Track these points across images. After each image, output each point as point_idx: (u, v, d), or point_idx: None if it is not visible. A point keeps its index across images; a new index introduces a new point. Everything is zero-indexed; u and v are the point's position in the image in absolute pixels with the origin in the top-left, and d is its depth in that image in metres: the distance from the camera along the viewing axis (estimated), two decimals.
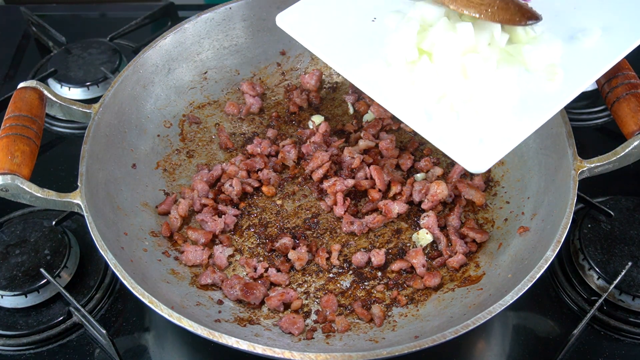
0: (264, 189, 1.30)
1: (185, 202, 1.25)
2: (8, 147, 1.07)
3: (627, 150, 1.06)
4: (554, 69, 1.04)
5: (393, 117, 1.39)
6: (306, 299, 1.15)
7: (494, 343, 1.16)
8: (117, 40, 1.65)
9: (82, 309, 1.13)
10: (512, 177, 1.25)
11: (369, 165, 1.29)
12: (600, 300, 1.12)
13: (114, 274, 1.11)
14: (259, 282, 1.16)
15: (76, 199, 1.09)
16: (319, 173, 1.29)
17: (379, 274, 1.18)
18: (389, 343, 1.04)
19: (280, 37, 1.45)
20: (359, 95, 1.44)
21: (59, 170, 1.42)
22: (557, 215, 1.06)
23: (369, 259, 1.19)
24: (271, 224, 1.26)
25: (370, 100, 1.42)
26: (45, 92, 1.18)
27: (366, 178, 1.29)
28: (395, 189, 1.26)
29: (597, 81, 1.15)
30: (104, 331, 1.08)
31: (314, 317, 1.12)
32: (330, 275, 1.19)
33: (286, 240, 1.21)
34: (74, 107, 1.21)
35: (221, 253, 1.20)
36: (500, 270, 1.11)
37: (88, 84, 1.53)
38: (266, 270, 1.19)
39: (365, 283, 1.17)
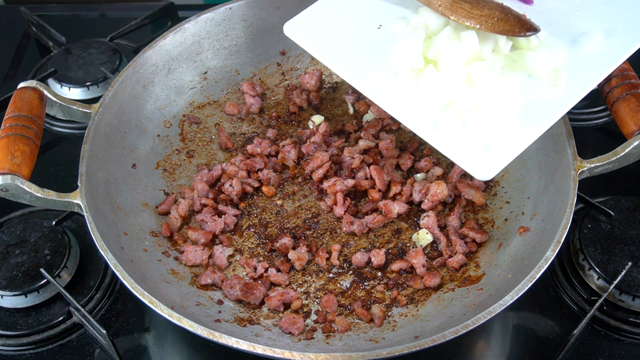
0: (264, 189, 1.30)
1: (185, 202, 1.25)
2: (8, 147, 1.07)
3: (627, 150, 1.06)
4: (557, 75, 1.04)
5: (393, 118, 1.39)
6: (306, 299, 1.15)
7: (494, 343, 1.16)
8: (117, 40, 1.65)
9: (82, 309, 1.13)
10: (512, 177, 1.25)
11: (369, 165, 1.29)
12: (600, 300, 1.12)
13: (114, 274, 1.11)
14: (259, 282, 1.16)
15: (76, 199, 1.08)
16: (319, 173, 1.29)
17: (379, 274, 1.18)
18: (389, 343, 1.04)
19: (280, 37, 1.44)
20: (358, 95, 1.45)
21: (58, 170, 1.42)
22: (557, 215, 1.06)
23: (369, 259, 1.19)
24: (271, 224, 1.26)
25: (370, 101, 1.42)
26: (45, 92, 1.18)
27: (366, 178, 1.29)
28: (395, 189, 1.26)
29: None
30: (104, 331, 1.08)
31: (314, 317, 1.12)
32: (330, 275, 1.19)
33: (286, 240, 1.21)
34: (74, 107, 1.21)
35: (221, 253, 1.20)
36: (500, 270, 1.11)
37: (88, 84, 1.53)
38: (266, 270, 1.19)
39: (365, 283, 1.17)
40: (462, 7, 1.04)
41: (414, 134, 1.37)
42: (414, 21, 1.11)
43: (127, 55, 1.60)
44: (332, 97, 1.47)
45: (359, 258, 1.18)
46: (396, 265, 1.18)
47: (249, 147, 1.35)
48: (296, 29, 1.17)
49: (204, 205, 1.27)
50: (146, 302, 0.98)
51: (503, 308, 0.95)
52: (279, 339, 1.07)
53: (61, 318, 1.16)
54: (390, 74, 1.07)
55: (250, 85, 1.43)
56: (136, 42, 1.65)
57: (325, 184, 1.27)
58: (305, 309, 1.14)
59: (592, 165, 1.09)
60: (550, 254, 1.00)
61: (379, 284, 1.17)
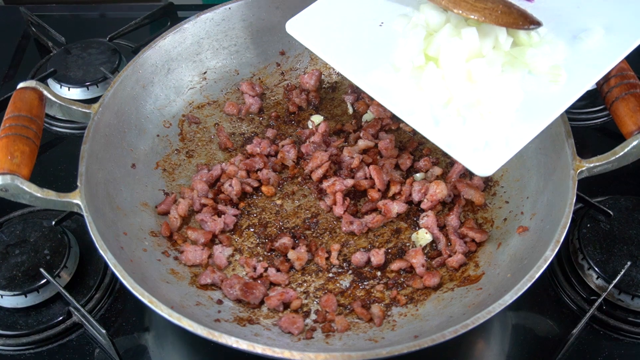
0: (263, 188, 1.31)
1: (185, 202, 1.25)
2: (8, 147, 1.07)
3: (626, 150, 1.06)
4: (557, 71, 1.04)
5: (392, 117, 1.39)
6: (306, 299, 1.15)
7: (493, 343, 1.16)
8: (117, 40, 1.65)
9: (81, 309, 1.13)
10: (512, 176, 1.25)
11: (368, 165, 1.29)
12: (600, 300, 1.12)
13: (113, 273, 1.11)
14: (259, 281, 1.16)
15: (76, 199, 1.08)
16: (319, 173, 1.29)
17: (379, 273, 1.18)
18: (389, 343, 1.05)
19: (279, 37, 1.45)
20: (358, 95, 1.45)
21: (58, 170, 1.42)
22: (556, 214, 1.06)
23: (369, 258, 1.19)
24: (271, 224, 1.27)
25: (369, 100, 1.42)
26: (45, 92, 1.18)
27: (365, 178, 1.29)
28: (394, 188, 1.27)
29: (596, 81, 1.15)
30: (104, 331, 1.08)
31: (313, 316, 1.12)
32: (330, 275, 1.19)
33: (286, 240, 1.21)
34: (74, 107, 1.21)
35: (221, 253, 1.20)
36: (499, 270, 1.11)
37: (87, 84, 1.53)
38: (266, 270, 1.19)
39: (365, 283, 1.17)
40: (465, 1, 1.04)
41: (414, 134, 1.38)
42: (415, 18, 1.11)
43: (126, 55, 1.60)
44: (332, 97, 1.47)
45: (358, 258, 1.19)
46: (396, 265, 1.18)
47: (249, 147, 1.36)
48: (298, 27, 1.17)
49: (204, 205, 1.27)
50: (146, 301, 0.98)
51: (502, 308, 0.95)
52: (279, 338, 1.07)
53: (61, 318, 1.17)
54: (391, 71, 1.08)
55: (249, 85, 1.43)
56: (135, 42, 1.65)
57: (325, 184, 1.27)
58: (304, 309, 1.14)
59: (591, 165, 1.09)
60: (550, 254, 1.00)
61: (378, 283, 1.17)
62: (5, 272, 1.17)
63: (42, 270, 1.16)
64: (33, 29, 1.71)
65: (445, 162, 1.33)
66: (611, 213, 1.22)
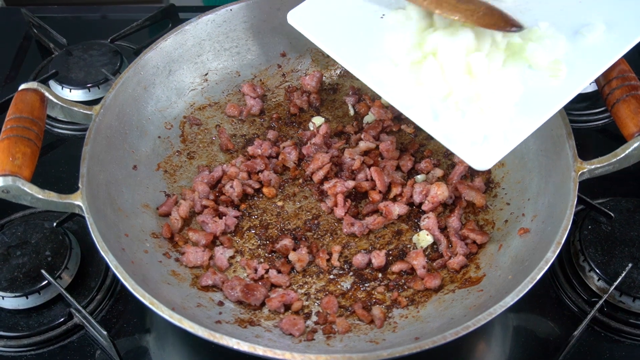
0: (264, 190, 1.31)
1: (186, 203, 1.25)
2: (9, 148, 1.07)
3: (627, 152, 1.06)
4: (557, 66, 1.05)
5: (393, 119, 1.39)
6: (307, 301, 1.15)
7: (494, 344, 1.16)
8: (118, 41, 1.65)
9: (83, 310, 1.13)
10: (513, 178, 1.25)
11: (369, 166, 1.30)
12: (601, 302, 1.12)
13: (114, 275, 1.11)
14: (260, 283, 1.16)
15: (77, 200, 1.09)
16: (320, 174, 1.29)
17: (380, 275, 1.18)
18: (390, 344, 1.04)
19: (280, 38, 1.46)
20: (359, 96, 1.45)
21: (59, 172, 1.42)
22: (557, 216, 1.06)
23: (370, 260, 1.19)
24: (272, 226, 1.27)
25: (370, 102, 1.42)
26: (47, 94, 1.18)
27: (367, 179, 1.29)
28: (395, 190, 1.27)
29: (598, 82, 1.15)
30: (105, 332, 1.08)
31: (314, 318, 1.12)
32: (331, 276, 1.19)
33: (287, 242, 1.21)
34: (75, 109, 1.21)
35: (222, 254, 1.20)
36: (500, 271, 1.11)
37: (89, 85, 1.53)
38: (267, 271, 1.19)
39: (366, 284, 1.17)
40: (447, 2, 1.04)
41: (415, 136, 1.38)
42: (409, 11, 1.11)
43: (128, 57, 1.60)
44: (333, 98, 1.47)
45: (359, 259, 1.18)
46: (397, 267, 1.18)
47: (250, 149, 1.36)
48: (299, 18, 1.18)
49: (205, 207, 1.27)
50: (147, 303, 0.98)
51: (503, 309, 0.95)
52: (280, 340, 1.07)
53: (62, 319, 1.16)
54: (391, 63, 1.08)
55: (250, 86, 1.43)
56: (137, 43, 1.65)
57: (326, 186, 1.27)
58: (305, 310, 1.14)
59: (593, 167, 1.09)
60: (551, 256, 1.00)
61: (379, 285, 1.17)
62: (6, 273, 1.17)
63: (43, 271, 1.16)
64: (34, 30, 1.71)
65: (447, 164, 1.33)
66: (612, 215, 1.22)
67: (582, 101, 1.49)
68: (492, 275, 1.12)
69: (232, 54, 1.44)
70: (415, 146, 1.36)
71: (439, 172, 1.29)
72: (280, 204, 1.30)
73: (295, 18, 1.18)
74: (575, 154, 1.11)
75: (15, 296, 1.15)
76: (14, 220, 1.32)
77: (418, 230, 1.24)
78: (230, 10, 1.40)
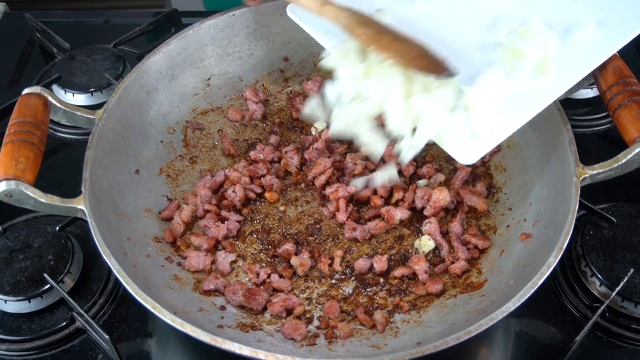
0: (266, 195, 1.31)
1: (188, 208, 1.26)
2: (12, 152, 1.07)
3: (628, 157, 1.06)
4: (546, 64, 1.06)
5: None
6: (309, 305, 1.15)
7: (496, 349, 1.16)
8: (121, 46, 1.65)
9: (85, 314, 1.13)
10: (514, 183, 1.25)
11: (371, 171, 1.30)
12: (603, 307, 1.12)
13: (117, 279, 1.11)
14: (262, 288, 1.16)
15: (80, 204, 1.09)
16: (322, 179, 1.29)
17: (381, 280, 1.18)
18: (391, 349, 1.05)
19: (283, 43, 1.46)
20: None
21: (62, 176, 1.42)
22: (559, 221, 1.06)
23: (372, 265, 1.19)
24: (274, 230, 1.27)
25: None
26: (50, 99, 1.18)
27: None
28: (397, 195, 1.27)
29: (599, 88, 1.15)
30: (107, 336, 1.08)
31: (316, 323, 1.13)
32: (333, 281, 1.19)
33: (289, 246, 1.21)
34: (78, 114, 1.21)
35: (224, 259, 1.20)
36: (502, 276, 1.11)
37: (92, 90, 1.53)
38: (269, 276, 1.19)
39: (368, 289, 1.17)
40: (384, 39, 1.05)
41: None
42: (345, 44, 1.11)
43: (130, 62, 1.61)
44: None
45: (361, 264, 1.19)
46: (398, 272, 1.18)
47: (252, 153, 1.36)
48: (298, 11, 1.19)
49: (207, 211, 1.27)
50: (149, 307, 0.98)
51: (505, 314, 0.95)
52: (282, 344, 1.07)
53: (64, 323, 1.17)
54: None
55: (253, 91, 1.44)
56: (140, 48, 1.65)
57: (328, 190, 1.27)
58: (307, 315, 1.14)
59: (594, 172, 1.09)
60: (553, 261, 1.00)
61: (381, 290, 1.17)
62: (9, 277, 1.18)
63: (46, 275, 1.16)
64: (38, 35, 1.72)
65: (448, 168, 1.34)
66: (614, 220, 1.22)
67: (583, 106, 1.49)
68: (493, 280, 1.12)
69: (235, 58, 1.45)
70: None
71: (440, 177, 1.30)
72: (282, 208, 1.30)
73: (294, 11, 1.19)
74: (577, 160, 1.11)
75: (18, 300, 1.16)
76: (16, 224, 1.32)
77: (420, 235, 1.24)
78: (233, 15, 1.40)
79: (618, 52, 1.14)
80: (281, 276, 1.19)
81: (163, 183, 1.31)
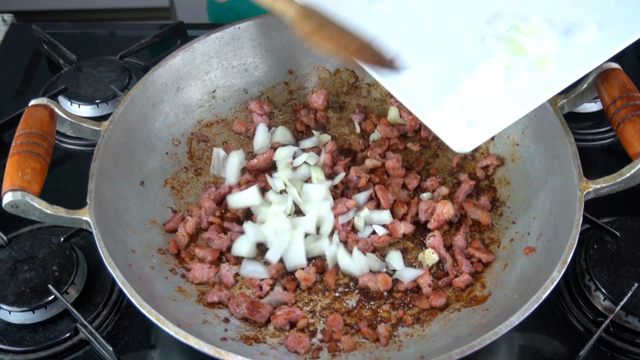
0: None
1: (193, 219, 1.26)
2: (19, 163, 1.08)
3: (632, 172, 1.07)
4: (547, 60, 1.07)
5: (399, 137, 1.40)
6: (312, 318, 1.15)
7: None
8: (127, 58, 1.66)
9: (89, 326, 1.13)
10: (518, 197, 1.25)
11: (375, 184, 1.30)
12: (607, 322, 1.12)
13: (121, 290, 1.11)
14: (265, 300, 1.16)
15: (85, 215, 1.09)
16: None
17: (385, 293, 1.18)
18: None
19: (288, 56, 1.47)
20: (365, 114, 1.46)
21: (67, 187, 1.42)
22: (563, 235, 1.06)
23: (376, 282, 1.18)
24: None
25: (377, 120, 1.43)
26: (56, 110, 1.19)
27: (371, 198, 1.29)
28: (402, 210, 1.27)
29: (603, 101, 1.16)
30: (111, 348, 1.08)
31: (319, 336, 1.12)
32: (336, 294, 1.19)
33: None
34: (84, 125, 1.22)
35: (228, 271, 1.20)
36: (506, 290, 1.11)
37: (97, 101, 1.54)
38: (272, 288, 1.19)
39: (371, 302, 1.17)
40: (326, 31, 1.07)
41: (420, 154, 1.39)
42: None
43: (136, 74, 1.61)
44: (339, 116, 1.48)
45: (365, 280, 1.18)
46: (402, 285, 1.18)
47: (247, 164, 1.36)
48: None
49: (211, 223, 1.27)
50: (153, 319, 0.98)
51: (509, 329, 0.95)
52: (285, 357, 1.07)
53: (68, 334, 1.17)
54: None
55: (258, 104, 1.44)
56: (146, 60, 1.66)
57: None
58: (311, 328, 1.14)
59: (598, 186, 1.09)
60: (557, 275, 1.00)
61: (384, 303, 1.17)
62: (13, 288, 1.18)
63: (50, 286, 1.17)
64: (45, 46, 1.73)
65: (452, 182, 1.34)
66: (618, 234, 1.22)
67: (587, 120, 1.50)
68: (497, 294, 1.12)
69: (240, 71, 1.45)
70: (421, 164, 1.37)
71: (444, 190, 1.30)
72: None
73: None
74: (581, 174, 1.11)
75: (22, 311, 1.16)
76: (21, 234, 1.32)
77: (423, 248, 1.24)
78: (239, 28, 1.41)
79: (620, 64, 1.15)
80: (285, 289, 1.19)
81: (168, 195, 1.31)
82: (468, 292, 1.16)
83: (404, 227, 1.24)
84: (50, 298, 1.16)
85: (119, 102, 1.27)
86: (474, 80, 1.05)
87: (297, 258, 1.20)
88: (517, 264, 1.14)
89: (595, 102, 1.48)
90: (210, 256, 1.22)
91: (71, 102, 1.55)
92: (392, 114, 1.42)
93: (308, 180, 1.31)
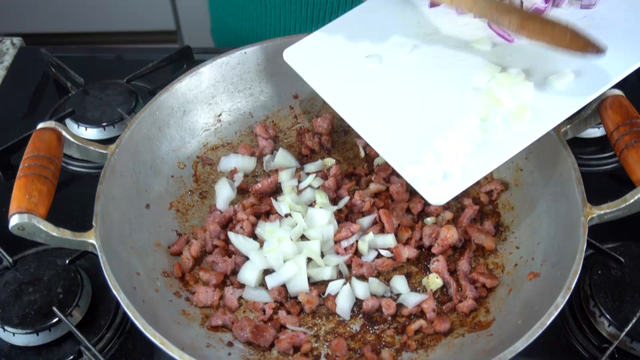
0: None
1: (197, 242, 1.26)
2: (26, 186, 1.09)
3: (636, 198, 1.07)
4: (523, 111, 1.10)
5: None
6: (316, 342, 1.15)
7: None
8: (134, 82, 1.68)
9: (92, 348, 1.13)
10: (522, 222, 1.25)
11: (379, 208, 1.30)
12: (612, 348, 1.11)
13: (125, 313, 1.11)
14: (269, 324, 1.16)
15: (91, 238, 1.10)
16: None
17: (389, 318, 1.18)
18: None
19: (293, 80, 1.47)
20: None
21: (73, 209, 1.43)
22: (567, 261, 1.06)
23: (379, 306, 1.18)
24: None
25: None
26: (64, 133, 1.21)
27: (375, 222, 1.29)
28: (406, 234, 1.27)
29: (606, 128, 1.17)
30: None
31: None
32: (340, 318, 1.19)
33: None
34: (91, 148, 1.23)
35: (232, 294, 1.21)
36: (510, 316, 1.11)
37: (104, 124, 1.55)
38: (275, 311, 1.19)
39: (375, 327, 1.17)
40: (533, 24, 1.08)
41: None
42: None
43: (143, 97, 1.63)
44: (344, 140, 1.49)
45: (369, 305, 1.18)
46: (406, 310, 1.17)
47: (251, 188, 1.37)
48: (294, 56, 1.26)
49: (216, 246, 1.28)
50: (157, 343, 0.98)
51: (513, 354, 0.95)
52: None
53: (72, 357, 1.17)
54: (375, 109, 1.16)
55: (263, 127, 1.46)
56: (152, 84, 1.68)
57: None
58: (314, 352, 1.13)
59: (602, 212, 1.09)
60: (561, 301, 1.00)
61: (388, 328, 1.17)
62: (17, 310, 1.18)
63: (54, 308, 1.17)
64: (53, 69, 1.75)
65: (456, 206, 1.34)
66: (622, 260, 1.22)
67: (591, 145, 1.50)
68: (501, 320, 1.12)
69: (246, 95, 1.47)
70: None
71: (448, 214, 1.30)
72: None
73: (291, 56, 1.26)
74: (585, 199, 1.11)
75: (26, 333, 1.16)
76: (26, 256, 1.32)
77: (428, 272, 1.24)
78: (245, 53, 1.43)
79: (623, 91, 1.16)
80: (289, 312, 1.19)
81: (173, 218, 1.32)
82: (472, 317, 1.16)
83: (408, 252, 1.24)
84: (55, 320, 1.17)
85: (126, 125, 1.29)
86: (449, 135, 1.08)
87: (299, 285, 1.20)
88: (522, 289, 1.14)
89: (599, 128, 1.49)
90: (215, 279, 1.22)
91: (78, 125, 1.56)
92: None
93: (312, 203, 1.32)
